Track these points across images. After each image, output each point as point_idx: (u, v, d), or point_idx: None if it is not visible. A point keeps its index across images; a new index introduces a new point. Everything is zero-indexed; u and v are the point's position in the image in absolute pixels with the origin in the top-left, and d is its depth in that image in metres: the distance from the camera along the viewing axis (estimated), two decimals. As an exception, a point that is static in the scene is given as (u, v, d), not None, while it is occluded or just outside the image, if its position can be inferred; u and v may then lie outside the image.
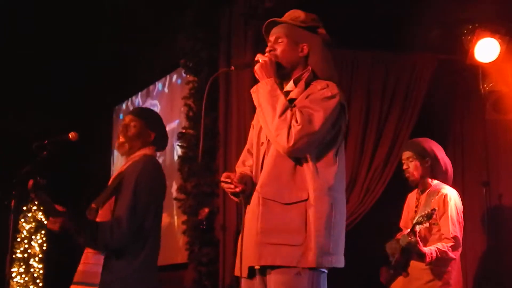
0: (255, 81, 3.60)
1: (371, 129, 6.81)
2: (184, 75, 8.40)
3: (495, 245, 6.63)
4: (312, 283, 3.30)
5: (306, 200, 3.31)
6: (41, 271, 10.82)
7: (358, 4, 6.32)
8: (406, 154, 5.51)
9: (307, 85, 3.50)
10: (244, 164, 3.72)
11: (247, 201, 3.51)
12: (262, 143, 3.54)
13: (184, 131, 7.88)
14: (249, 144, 3.73)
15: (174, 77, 9.19)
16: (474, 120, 7.14)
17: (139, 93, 10.22)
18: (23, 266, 10.70)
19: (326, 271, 3.38)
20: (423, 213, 5.05)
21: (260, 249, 3.32)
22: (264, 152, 3.50)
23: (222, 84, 7.59)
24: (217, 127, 7.64)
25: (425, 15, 6.11)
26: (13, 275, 10.49)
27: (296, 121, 3.29)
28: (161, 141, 4.85)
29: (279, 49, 3.56)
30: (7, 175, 4.75)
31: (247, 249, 3.40)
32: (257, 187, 3.44)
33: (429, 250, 5.06)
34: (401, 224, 5.72)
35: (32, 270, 10.77)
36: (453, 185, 5.56)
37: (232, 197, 3.58)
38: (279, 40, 3.57)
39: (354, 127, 6.83)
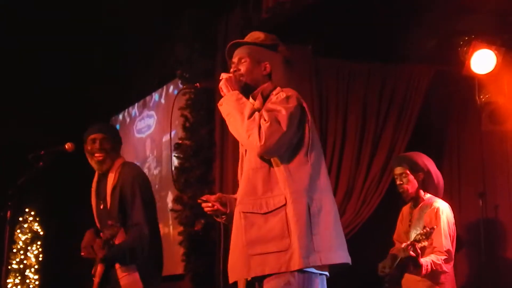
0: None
1: (368, 140, 6.81)
2: (180, 85, 8.41)
3: (491, 256, 6.62)
4: (303, 286, 3.34)
5: (284, 205, 3.38)
6: (36, 282, 10.78)
7: (354, 15, 6.32)
8: (399, 170, 5.51)
9: (266, 97, 3.62)
10: None
11: (230, 221, 3.64)
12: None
13: (180, 141, 7.88)
14: (239, 175, 3.79)
15: (171, 87, 9.19)
16: (470, 131, 7.14)
17: (136, 104, 10.23)
18: (19, 277, 10.67)
19: (319, 272, 3.41)
20: (422, 231, 5.07)
21: (248, 261, 3.39)
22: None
23: (218, 96, 7.58)
24: (213, 138, 7.65)
25: (422, 26, 6.12)
26: (9, 286, 10.45)
27: (265, 120, 3.39)
28: (120, 148, 5.21)
29: (243, 69, 3.68)
30: (3, 186, 4.75)
31: (235, 263, 3.48)
32: (237, 203, 3.55)
33: (425, 262, 5.08)
34: (395, 237, 5.72)
35: (28, 281, 10.73)
36: (450, 197, 5.58)
37: (215, 218, 3.75)
38: (242, 60, 3.70)
39: (350, 138, 6.83)
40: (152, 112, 9.73)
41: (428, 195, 5.45)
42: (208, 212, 3.71)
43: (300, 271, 3.32)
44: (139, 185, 4.84)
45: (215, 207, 3.66)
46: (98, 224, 5.09)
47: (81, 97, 10.29)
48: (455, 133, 7.41)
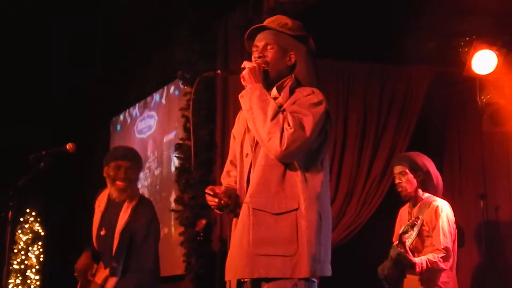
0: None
1: (368, 141, 6.81)
2: (181, 86, 8.41)
3: (492, 258, 6.62)
4: None
5: (296, 209, 3.27)
6: (37, 283, 10.79)
7: (354, 17, 6.32)
8: (398, 169, 5.51)
9: (291, 92, 3.46)
10: (229, 175, 3.68)
11: (233, 214, 3.49)
12: (247, 154, 3.48)
13: (181, 142, 7.88)
14: (231, 155, 3.66)
15: (172, 88, 9.19)
16: (471, 132, 7.14)
17: (137, 105, 10.22)
18: (20, 278, 10.68)
19: (316, 280, 3.32)
20: (408, 222, 5.11)
21: (252, 261, 3.27)
22: (250, 164, 3.45)
23: (220, 96, 7.60)
24: (214, 139, 7.65)
25: (422, 27, 6.12)
26: (10, 286, 10.46)
27: (289, 125, 3.25)
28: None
29: (269, 56, 3.50)
30: (4, 187, 4.75)
31: (237, 260, 3.34)
32: (247, 197, 3.39)
33: (420, 260, 5.09)
34: (394, 239, 5.71)
35: (28, 281, 10.75)
36: (450, 198, 5.58)
37: (216, 211, 3.55)
38: (269, 47, 3.51)
39: (351, 140, 6.83)
40: (153, 113, 9.74)
41: (426, 194, 5.46)
42: (213, 207, 3.51)
43: (306, 279, 3.23)
44: (154, 230, 4.80)
45: (223, 202, 3.44)
46: (96, 246, 5.05)
47: (82, 98, 10.30)
48: (456, 135, 7.41)
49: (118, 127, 10.73)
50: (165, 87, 9.38)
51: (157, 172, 9.49)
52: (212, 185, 7.24)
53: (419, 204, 5.44)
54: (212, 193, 3.45)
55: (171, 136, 9.07)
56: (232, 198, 3.49)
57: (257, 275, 3.27)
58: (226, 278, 3.43)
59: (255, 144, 3.45)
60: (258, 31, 3.59)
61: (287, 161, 3.32)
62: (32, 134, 9.58)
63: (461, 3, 5.87)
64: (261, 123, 3.30)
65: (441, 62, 6.80)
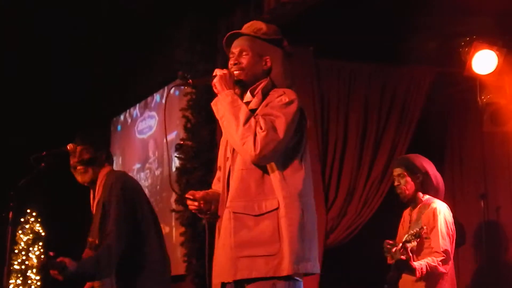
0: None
1: (369, 141, 6.81)
2: (182, 87, 8.41)
3: (492, 258, 6.62)
4: None
5: (277, 209, 3.29)
6: (38, 283, 10.79)
7: (355, 17, 6.32)
8: (397, 171, 5.52)
9: (265, 95, 3.48)
10: (219, 181, 3.67)
11: (214, 219, 3.52)
12: (228, 158, 3.51)
13: (182, 142, 7.88)
14: (219, 161, 3.68)
15: (172, 89, 9.18)
16: (471, 132, 7.14)
17: (137, 105, 10.23)
18: (21, 278, 10.67)
19: (301, 279, 3.34)
20: (412, 232, 5.10)
21: (235, 263, 3.30)
22: (230, 167, 3.48)
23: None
24: (215, 139, 7.65)
25: (422, 27, 6.12)
26: (11, 287, 10.46)
27: (261, 128, 3.27)
28: (110, 158, 4.92)
29: (244, 62, 3.52)
30: (5, 187, 4.76)
31: (220, 265, 3.38)
32: (228, 202, 3.42)
33: (419, 265, 5.08)
34: (397, 241, 5.71)
35: (29, 282, 10.74)
36: (451, 198, 5.58)
37: (198, 215, 3.57)
38: (244, 53, 3.53)
39: (351, 140, 6.84)
40: (154, 113, 9.74)
41: (426, 197, 5.45)
42: (192, 210, 3.53)
43: (286, 277, 3.24)
44: (116, 194, 4.56)
45: (201, 205, 3.47)
46: None
47: (82, 98, 10.29)
48: (457, 135, 7.41)
49: (119, 127, 10.73)
50: (166, 88, 9.38)
51: (157, 172, 9.50)
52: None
53: (419, 206, 5.44)
54: (192, 197, 3.48)
55: (171, 136, 9.08)
56: (210, 203, 3.52)
57: (239, 276, 3.29)
58: (213, 282, 3.45)
59: (234, 148, 3.48)
60: (235, 37, 3.62)
61: (263, 163, 3.34)
62: (32, 134, 9.57)
63: (461, 3, 5.87)
64: (234, 129, 3.31)
65: (442, 62, 6.80)
